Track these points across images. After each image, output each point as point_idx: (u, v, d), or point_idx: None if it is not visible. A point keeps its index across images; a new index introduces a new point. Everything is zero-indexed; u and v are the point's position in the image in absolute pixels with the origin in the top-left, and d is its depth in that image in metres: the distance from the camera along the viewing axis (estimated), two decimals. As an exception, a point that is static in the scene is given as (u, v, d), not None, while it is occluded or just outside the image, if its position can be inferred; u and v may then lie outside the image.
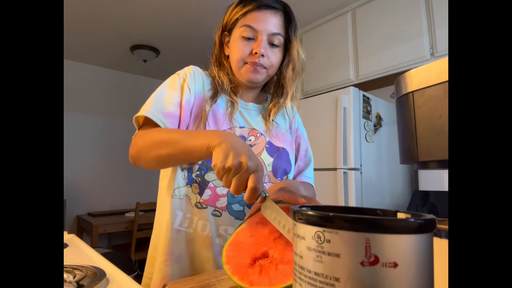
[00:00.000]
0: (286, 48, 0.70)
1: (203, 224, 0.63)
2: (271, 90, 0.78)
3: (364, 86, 2.18)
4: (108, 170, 3.50)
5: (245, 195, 0.45)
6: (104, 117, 3.53)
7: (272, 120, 0.73)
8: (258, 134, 0.70)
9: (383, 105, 1.99)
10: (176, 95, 0.64)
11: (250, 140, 0.69)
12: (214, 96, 0.68)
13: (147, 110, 0.60)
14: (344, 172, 1.69)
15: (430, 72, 0.38)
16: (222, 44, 0.72)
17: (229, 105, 0.69)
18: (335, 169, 1.73)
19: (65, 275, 0.47)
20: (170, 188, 0.65)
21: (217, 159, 0.45)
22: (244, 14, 0.66)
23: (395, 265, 0.22)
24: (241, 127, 0.69)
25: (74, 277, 0.48)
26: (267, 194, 0.45)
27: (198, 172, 0.64)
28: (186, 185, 0.64)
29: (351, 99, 1.74)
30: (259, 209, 0.53)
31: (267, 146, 0.70)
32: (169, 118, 0.61)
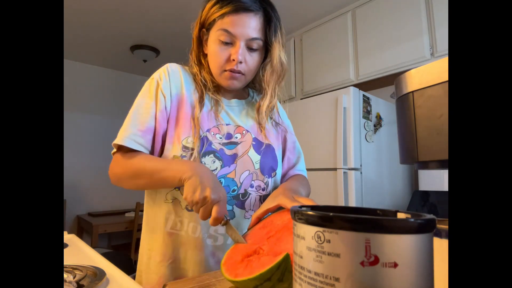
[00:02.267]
0: (267, 49, 0.68)
1: (193, 226, 0.63)
2: (256, 87, 0.77)
3: (364, 86, 2.18)
4: (108, 170, 3.49)
5: (210, 221, 0.52)
6: (104, 117, 3.53)
7: (265, 120, 0.72)
8: (244, 132, 0.69)
9: (383, 105, 1.99)
10: (152, 105, 0.64)
11: (237, 137, 0.68)
12: (201, 100, 0.67)
13: (124, 135, 0.61)
14: (344, 172, 1.69)
15: (430, 72, 0.38)
16: (201, 42, 0.70)
17: (213, 104, 0.68)
18: (335, 169, 1.73)
19: (65, 275, 0.47)
20: (162, 192, 0.65)
21: (187, 193, 0.52)
22: (222, 16, 0.63)
23: (395, 265, 0.22)
24: (227, 124, 0.68)
25: (74, 277, 0.48)
26: (229, 218, 0.54)
27: None
28: (175, 188, 0.64)
29: (351, 99, 1.73)
30: (260, 219, 0.56)
31: (254, 143, 0.69)
32: (147, 135, 0.63)
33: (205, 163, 0.63)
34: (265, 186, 0.69)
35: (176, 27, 2.55)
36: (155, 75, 0.68)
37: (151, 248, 0.65)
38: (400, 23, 1.88)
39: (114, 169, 0.64)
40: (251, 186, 0.67)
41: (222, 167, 0.64)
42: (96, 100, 3.48)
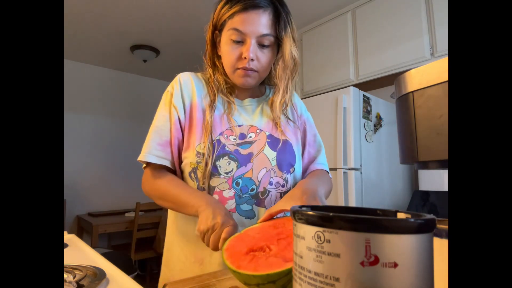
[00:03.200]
0: (278, 44, 0.68)
1: None
2: (271, 83, 0.77)
3: (364, 86, 2.18)
4: (108, 170, 3.49)
5: (219, 244, 0.53)
6: (104, 117, 3.52)
7: (279, 116, 0.72)
8: (257, 131, 0.69)
9: (383, 105, 1.99)
10: (167, 118, 0.68)
11: (251, 137, 0.68)
12: (212, 103, 0.68)
13: (146, 150, 0.66)
14: (344, 172, 1.69)
15: (430, 72, 0.39)
16: (214, 44, 0.71)
17: (226, 107, 0.69)
18: (335, 169, 1.73)
19: (65, 275, 0.47)
20: None
21: (199, 224, 0.55)
22: (231, 16, 0.64)
23: (395, 265, 0.22)
24: (239, 126, 0.68)
25: (74, 277, 0.48)
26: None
27: (203, 180, 0.65)
28: None
29: (351, 99, 1.73)
30: (272, 217, 0.55)
31: (269, 140, 0.69)
32: (166, 148, 0.67)
33: (220, 166, 0.64)
34: (284, 182, 0.68)
35: (176, 27, 2.55)
36: (169, 87, 0.71)
37: (186, 250, 0.67)
38: (400, 23, 1.88)
39: (145, 187, 0.70)
40: (270, 183, 0.67)
41: (238, 167, 0.65)
42: (96, 100, 3.48)
